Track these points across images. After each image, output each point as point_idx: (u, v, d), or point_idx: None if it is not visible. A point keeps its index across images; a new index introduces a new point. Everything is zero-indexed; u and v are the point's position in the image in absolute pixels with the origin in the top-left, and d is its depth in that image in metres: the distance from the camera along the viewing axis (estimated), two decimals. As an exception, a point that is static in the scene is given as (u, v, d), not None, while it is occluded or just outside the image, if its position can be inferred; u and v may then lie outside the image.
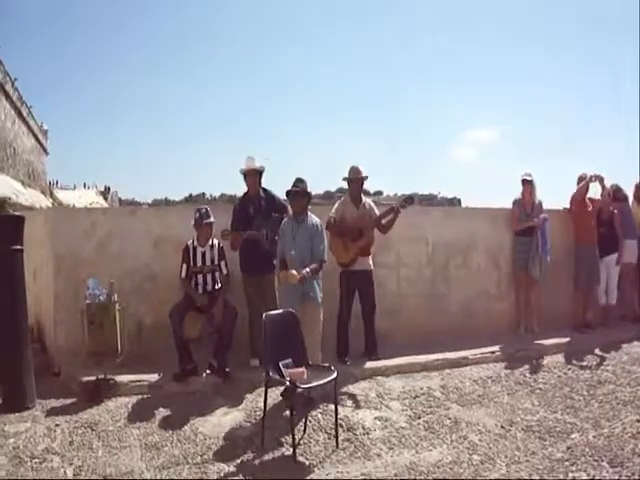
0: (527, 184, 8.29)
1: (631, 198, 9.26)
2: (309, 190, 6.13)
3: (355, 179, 6.88)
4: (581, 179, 8.59)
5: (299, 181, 6.07)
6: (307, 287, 5.93)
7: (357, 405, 5.70)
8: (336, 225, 6.73)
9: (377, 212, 6.90)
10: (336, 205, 6.99)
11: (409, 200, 6.82)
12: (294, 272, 5.71)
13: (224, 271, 6.50)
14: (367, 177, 6.94)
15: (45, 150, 36.07)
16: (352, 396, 5.91)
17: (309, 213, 6.12)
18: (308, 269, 5.84)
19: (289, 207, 6.34)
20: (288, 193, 6.10)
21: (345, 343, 6.84)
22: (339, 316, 6.82)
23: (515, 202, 8.38)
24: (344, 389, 5.93)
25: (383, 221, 6.82)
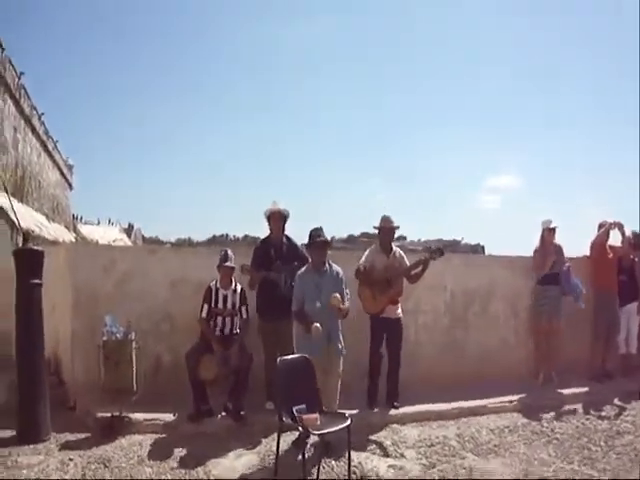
0: (551, 232, 8.27)
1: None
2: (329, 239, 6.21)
3: (385, 228, 6.88)
4: (601, 226, 8.56)
5: (320, 230, 6.09)
6: (333, 334, 5.93)
7: (371, 453, 5.65)
8: (365, 274, 6.69)
9: (407, 262, 6.87)
10: (366, 253, 6.94)
11: (439, 252, 6.72)
12: (318, 326, 5.70)
13: (244, 315, 6.52)
14: (398, 227, 6.94)
15: (70, 185, 36.40)
16: (367, 443, 5.86)
17: (330, 262, 6.14)
18: (346, 305, 5.98)
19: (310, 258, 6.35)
20: (311, 243, 6.09)
21: (376, 390, 6.79)
22: (370, 362, 6.79)
23: (536, 251, 8.34)
24: (359, 436, 5.80)
25: (412, 272, 6.81)
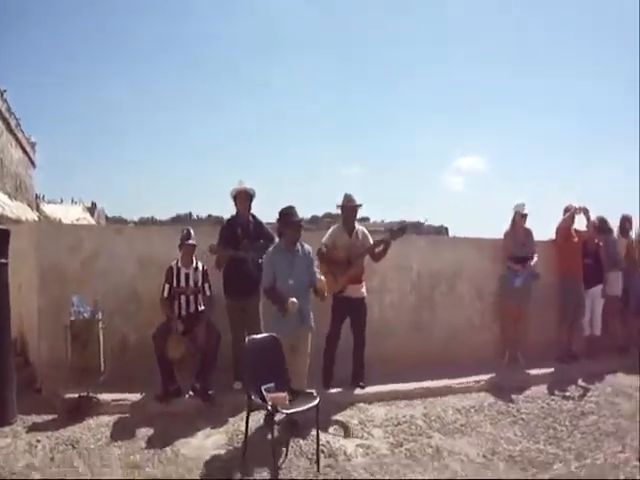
0: (523, 217, 8.35)
1: (616, 230, 9.34)
2: None
3: (348, 207, 6.84)
4: (567, 210, 8.65)
5: (293, 209, 5.88)
6: (305, 313, 5.87)
7: (338, 432, 5.68)
8: (326, 254, 6.65)
9: (371, 240, 6.85)
10: (329, 232, 6.92)
11: (400, 232, 6.70)
12: (295, 300, 5.60)
13: (207, 293, 6.51)
14: (361, 205, 6.90)
15: (33, 163, 35.90)
16: (334, 423, 5.88)
17: (300, 241, 6.02)
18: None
19: (276, 238, 6.21)
20: (288, 223, 5.85)
21: (331, 369, 6.79)
22: (327, 341, 6.75)
23: (507, 234, 8.40)
24: (327, 416, 5.84)
25: (374, 251, 6.77)
